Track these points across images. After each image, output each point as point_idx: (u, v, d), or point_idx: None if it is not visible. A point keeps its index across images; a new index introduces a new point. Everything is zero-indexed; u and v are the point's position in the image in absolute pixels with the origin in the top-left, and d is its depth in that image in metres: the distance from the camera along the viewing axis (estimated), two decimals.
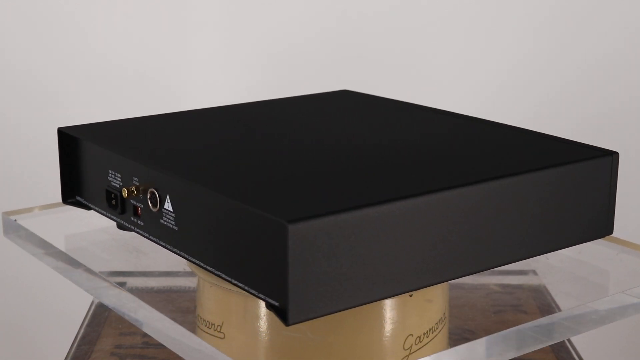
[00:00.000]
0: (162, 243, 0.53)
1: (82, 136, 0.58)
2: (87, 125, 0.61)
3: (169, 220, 0.51)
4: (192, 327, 0.62)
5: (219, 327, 0.55)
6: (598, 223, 0.54)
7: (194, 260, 0.50)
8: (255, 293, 0.45)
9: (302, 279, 0.43)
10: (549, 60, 1.12)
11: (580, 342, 0.76)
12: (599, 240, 0.58)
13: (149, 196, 0.52)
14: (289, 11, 1.11)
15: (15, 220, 0.66)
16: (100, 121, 0.63)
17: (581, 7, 1.10)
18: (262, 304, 0.52)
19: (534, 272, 0.74)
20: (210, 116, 0.65)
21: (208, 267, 0.49)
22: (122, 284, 0.70)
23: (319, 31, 1.11)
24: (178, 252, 0.51)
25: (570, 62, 1.12)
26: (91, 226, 0.65)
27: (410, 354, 0.54)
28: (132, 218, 0.54)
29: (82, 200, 0.60)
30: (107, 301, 0.59)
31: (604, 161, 0.54)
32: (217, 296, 0.55)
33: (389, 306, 0.53)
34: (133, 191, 0.53)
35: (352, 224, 0.44)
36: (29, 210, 0.68)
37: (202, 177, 0.50)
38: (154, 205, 0.52)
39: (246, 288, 0.46)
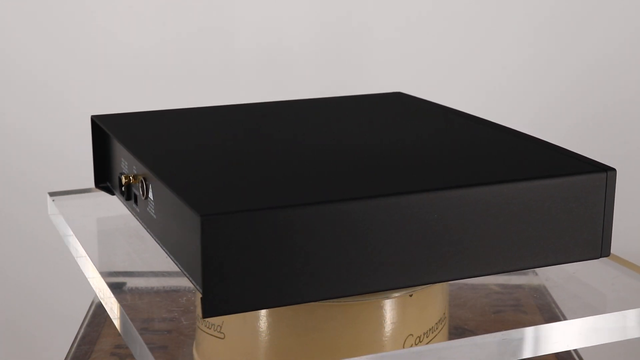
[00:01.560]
0: (148, 230, 0.54)
1: (105, 125, 0.61)
2: (114, 115, 0.64)
3: (152, 209, 0.53)
4: (192, 327, 0.62)
5: (219, 327, 0.55)
6: (591, 243, 0.51)
7: (163, 248, 0.51)
8: (195, 284, 0.46)
9: (218, 273, 0.43)
10: (553, 60, 1.12)
11: None
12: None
13: (140, 185, 0.54)
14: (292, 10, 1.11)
15: (53, 200, 0.69)
16: (128, 112, 0.66)
17: (581, 7, 1.10)
18: None
19: (534, 272, 0.74)
20: (240, 112, 0.66)
21: (171, 257, 0.50)
22: (122, 284, 0.70)
23: (319, 32, 1.11)
24: (157, 239, 0.52)
25: (573, 62, 1.12)
26: (120, 211, 0.67)
27: None
28: (133, 205, 0.56)
29: (109, 185, 0.62)
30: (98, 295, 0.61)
31: (596, 177, 0.51)
32: None
33: (389, 306, 0.53)
34: (130, 179, 0.55)
35: (276, 223, 0.44)
36: (73, 192, 0.72)
37: (166, 169, 0.51)
38: (143, 193, 0.53)
39: (190, 279, 0.46)
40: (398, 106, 0.67)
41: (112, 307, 0.59)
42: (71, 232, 0.65)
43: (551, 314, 0.66)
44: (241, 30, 1.10)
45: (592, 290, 0.64)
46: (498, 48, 1.12)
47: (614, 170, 0.51)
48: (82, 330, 0.70)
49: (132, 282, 0.70)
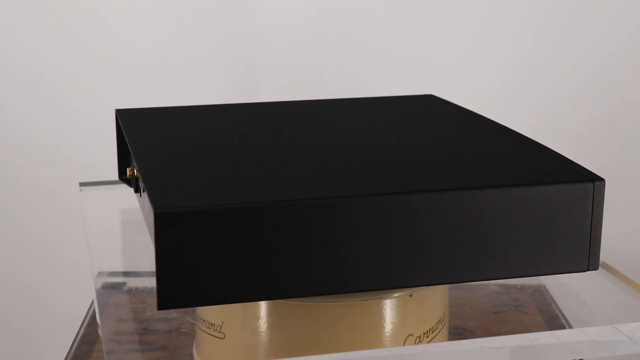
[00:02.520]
0: (146, 223, 0.55)
1: (121, 119, 0.62)
2: (136, 110, 0.65)
3: (147, 202, 0.53)
4: (192, 327, 0.62)
5: (219, 327, 0.55)
6: (578, 256, 0.50)
7: (152, 240, 0.52)
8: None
9: (171, 267, 0.44)
10: (559, 59, 1.12)
11: None
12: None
13: (141, 177, 0.55)
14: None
15: (80, 190, 0.71)
16: (148, 107, 0.67)
17: (586, 6, 1.10)
18: (262, 303, 0.52)
19: None
20: (256, 111, 0.66)
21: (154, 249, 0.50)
22: (122, 284, 0.70)
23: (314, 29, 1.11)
24: (150, 232, 0.53)
25: (580, 61, 1.11)
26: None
27: None
28: (139, 197, 0.57)
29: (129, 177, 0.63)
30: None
31: (582, 187, 0.49)
32: None
33: (388, 306, 0.53)
34: (134, 171, 0.56)
35: (226, 220, 0.45)
36: (104, 183, 0.73)
37: (152, 164, 0.52)
38: (142, 186, 0.54)
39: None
40: (421, 109, 0.67)
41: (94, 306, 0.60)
42: (86, 226, 0.66)
43: (551, 314, 0.66)
44: (265, 25, 1.10)
45: (580, 302, 0.64)
46: (503, 45, 1.12)
47: (602, 180, 0.49)
48: (82, 330, 0.70)
49: (132, 282, 0.70)
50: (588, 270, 0.50)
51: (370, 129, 0.61)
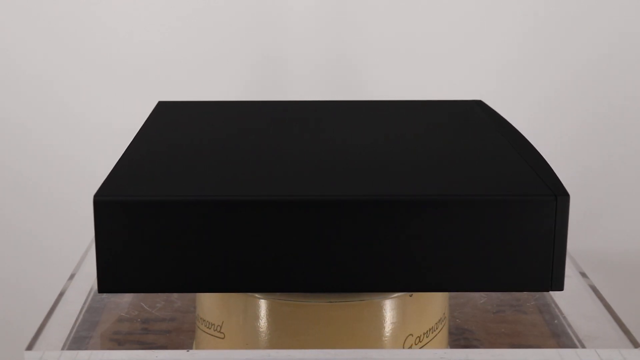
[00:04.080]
0: None
1: (154, 111, 0.63)
2: (176, 102, 0.67)
3: None
4: (192, 327, 0.62)
5: (219, 327, 0.55)
6: (540, 275, 0.47)
7: None
8: None
9: (108, 254, 0.47)
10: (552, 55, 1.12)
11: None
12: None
13: None
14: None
15: None
16: (193, 100, 0.69)
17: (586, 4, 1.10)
18: (263, 303, 0.52)
19: None
20: (285, 109, 0.66)
21: None
22: None
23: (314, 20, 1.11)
24: None
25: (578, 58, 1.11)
26: None
27: None
28: None
29: None
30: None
31: (543, 202, 0.46)
32: (217, 296, 0.55)
33: (388, 306, 0.53)
34: None
35: (161, 212, 0.46)
36: None
37: (136, 156, 0.53)
38: None
39: None
40: (453, 116, 0.65)
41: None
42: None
43: (551, 314, 0.66)
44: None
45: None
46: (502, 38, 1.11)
47: (566, 195, 0.47)
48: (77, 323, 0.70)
49: None
50: (551, 290, 0.48)
51: (376, 132, 0.61)
